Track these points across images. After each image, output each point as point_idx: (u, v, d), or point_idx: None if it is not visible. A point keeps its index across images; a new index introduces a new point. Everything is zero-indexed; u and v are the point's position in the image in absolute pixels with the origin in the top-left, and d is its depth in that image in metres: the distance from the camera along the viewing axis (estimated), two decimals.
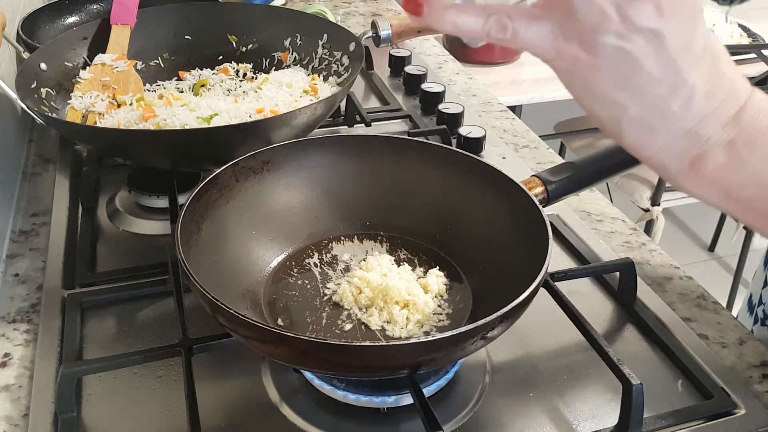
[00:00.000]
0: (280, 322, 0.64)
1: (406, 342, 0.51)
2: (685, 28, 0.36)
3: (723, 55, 0.38)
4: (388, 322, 0.63)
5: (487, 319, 0.50)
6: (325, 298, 0.67)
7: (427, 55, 1.37)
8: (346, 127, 1.05)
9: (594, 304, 0.74)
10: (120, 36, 1.00)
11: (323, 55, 1.01)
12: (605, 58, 0.35)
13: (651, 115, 0.37)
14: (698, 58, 0.37)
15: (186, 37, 1.06)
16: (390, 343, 0.51)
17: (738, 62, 1.85)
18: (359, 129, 1.04)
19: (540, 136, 1.09)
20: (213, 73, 1.03)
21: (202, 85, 0.99)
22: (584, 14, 0.34)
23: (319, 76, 0.99)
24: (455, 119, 1.05)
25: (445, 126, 1.02)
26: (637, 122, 0.37)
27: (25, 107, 0.81)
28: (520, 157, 1.02)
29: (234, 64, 1.04)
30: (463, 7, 0.37)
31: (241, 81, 1.01)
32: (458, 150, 0.73)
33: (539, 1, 0.37)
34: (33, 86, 0.88)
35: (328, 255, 0.72)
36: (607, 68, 0.35)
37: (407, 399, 0.59)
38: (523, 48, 0.37)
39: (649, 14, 0.34)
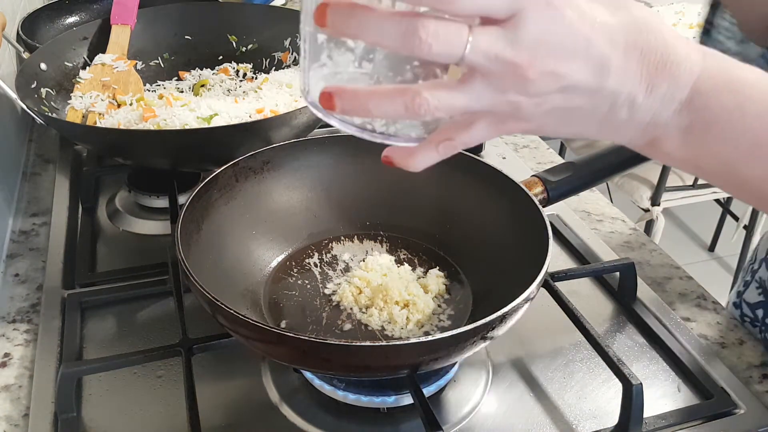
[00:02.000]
0: (284, 324, 0.64)
1: (406, 342, 0.51)
2: (588, 58, 0.35)
3: (653, 47, 0.37)
4: (388, 322, 0.63)
5: (487, 319, 0.50)
6: (325, 298, 0.67)
7: None
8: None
9: (594, 304, 0.74)
10: (120, 36, 1.00)
11: None
12: (538, 119, 0.37)
13: (607, 130, 0.38)
14: (622, 66, 0.36)
15: (186, 37, 1.06)
16: (390, 343, 0.51)
17: None
18: None
19: (540, 136, 1.09)
20: (213, 73, 1.03)
21: (202, 85, 0.99)
22: (497, 103, 0.36)
23: None
24: None
25: None
26: (596, 136, 0.39)
27: (25, 107, 0.81)
28: (520, 157, 1.02)
29: (234, 64, 1.04)
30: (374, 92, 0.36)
31: (241, 81, 1.01)
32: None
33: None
34: (33, 86, 0.88)
35: (328, 255, 0.72)
36: (545, 122, 0.37)
37: (407, 399, 0.59)
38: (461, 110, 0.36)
39: (546, 79, 0.35)
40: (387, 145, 0.40)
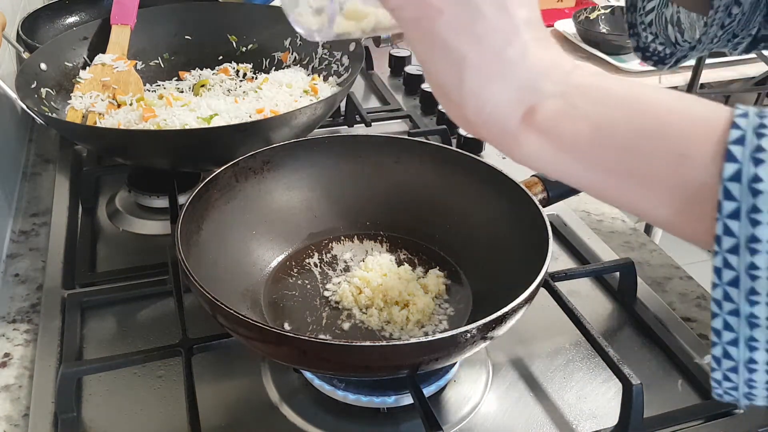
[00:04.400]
0: (287, 326, 0.64)
1: (406, 342, 0.51)
2: None
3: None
4: (388, 322, 0.63)
5: (487, 319, 0.50)
6: (325, 298, 0.67)
7: None
8: (346, 127, 1.05)
9: (594, 304, 0.74)
10: (120, 36, 1.00)
11: (323, 55, 1.01)
12: (451, 2, 0.36)
13: (490, 61, 0.37)
14: (534, 20, 0.38)
15: (186, 37, 1.06)
16: (390, 343, 0.51)
17: (737, 62, 1.85)
18: (359, 129, 1.04)
19: None
20: (213, 73, 1.03)
21: (202, 85, 0.99)
22: None
23: (319, 76, 0.99)
24: None
25: (445, 126, 1.02)
26: (475, 71, 0.37)
27: (25, 107, 0.81)
28: None
29: (234, 64, 1.04)
30: None
31: (241, 81, 1.02)
32: (458, 150, 0.73)
33: None
34: (33, 86, 0.88)
35: (328, 255, 0.72)
36: (451, 12, 0.36)
37: (407, 399, 0.59)
38: None
39: None
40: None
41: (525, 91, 0.37)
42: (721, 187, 0.31)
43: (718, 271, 0.33)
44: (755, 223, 0.31)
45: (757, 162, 0.31)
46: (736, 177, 0.31)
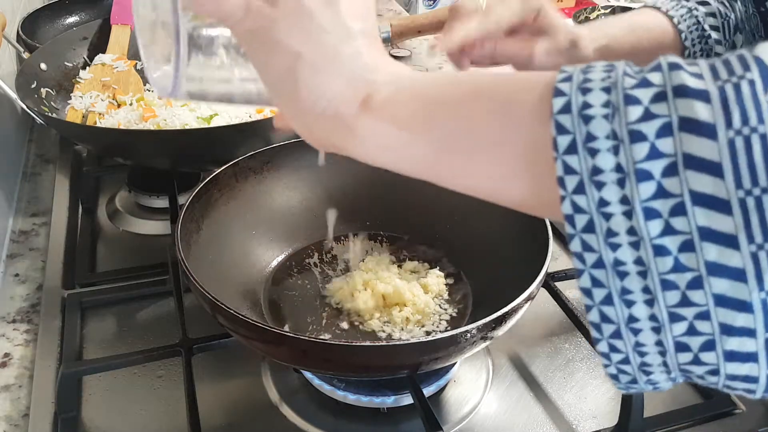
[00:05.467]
0: (287, 326, 0.64)
1: (406, 342, 0.51)
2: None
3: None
4: (388, 322, 0.63)
5: (487, 319, 0.50)
6: (325, 298, 0.67)
7: (427, 55, 1.36)
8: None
9: None
10: (120, 36, 1.00)
11: None
12: (286, 10, 0.36)
13: (324, 56, 0.37)
14: (369, 32, 0.38)
15: None
16: (390, 343, 0.51)
17: None
18: None
19: None
20: None
21: None
22: None
23: None
24: None
25: None
26: (309, 65, 0.37)
27: (25, 107, 0.81)
28: None
29: None
30: None
31: None
32: None
33: None
34: (33, 86, 0.88)
35: (328, 255, 0.72)
36: (287, 19, 0.37)
37: (407, 399, 0.59)
38: (215, 14, 0.37)
39: None
40: None
41: (359, 82, 0.37)
42: (552, 122, 0.29)
43: (570, 219, 0.29)
44: (593, 152, 0.28)
45: (585, 91, 0.29)
46: (566, 108, 0.29)
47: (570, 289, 0.71)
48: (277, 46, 0.37)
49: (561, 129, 0.29)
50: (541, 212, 0.35)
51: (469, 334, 0.50)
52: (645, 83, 0.28)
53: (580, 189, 0.29)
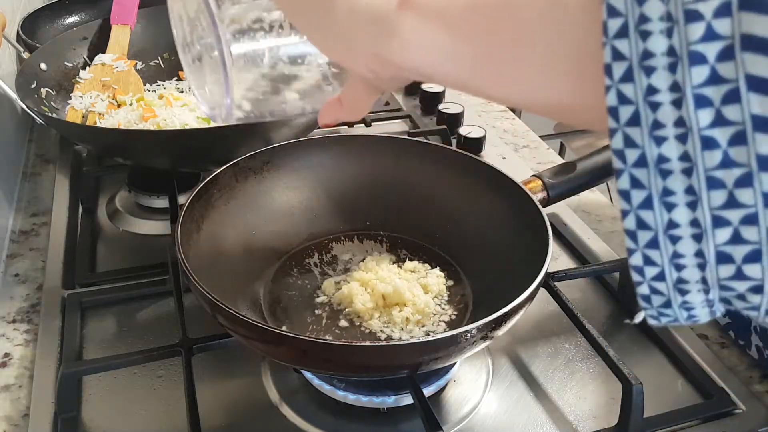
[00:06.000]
0: (287, 326, 0.64)
1: (406, 342, 0.51)
2: None
3: None
4: (388, 323, 0.63)
5: (487, 319, 0.50)
6: (325, 298, 0.67)
7: None
8: (346, 127, 1.05)
9: (594, 304, 0.74)
10: (120, 36, 1.00)
11: None
12: None
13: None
14: None
15: None
16: (390, 343, 0.51)
17: None
18: (359, 129, 1.04)
19: (540, 136, 1.09)
20: None
21: None
22: None
23: None
24: (455, 119, 1.05)
25: (445, 126, 1.02)
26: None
27: (25, 107, 0.81)
28: (520, 157, 1.02)
29: None
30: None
31: None
32: (458, 150, 0.73)
33: None
34: (33, 86, 0.88)
35: (328, 255, 0.72)
36: None
37: (407, 399, 0.59)
38: None
39: None
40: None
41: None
42: (603, 5, 0.26)
43: (613, 111, 0.27)
44: (645, 35, 0.26)
45: None
46: None
47: (570, 290, 0.71)
48: None
49: (612, 11, 0.26)
50: (577, 115, 0.33)
51: (469, 334, 0.50)
52: None
53: (627, 76, 0.26)
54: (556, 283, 0.69)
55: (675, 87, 0.25)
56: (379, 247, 0.73)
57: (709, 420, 0.61)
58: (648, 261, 0.28)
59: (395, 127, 1.08)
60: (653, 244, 0.27)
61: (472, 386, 0.63)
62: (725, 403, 0.62)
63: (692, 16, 0.25)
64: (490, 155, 1.00)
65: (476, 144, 0.99)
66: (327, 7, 0.36)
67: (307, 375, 0.61)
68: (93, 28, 1.01)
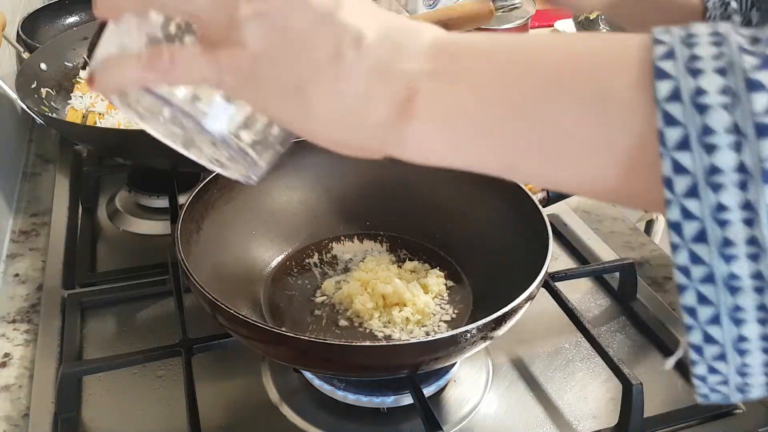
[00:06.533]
0: (287, 326, 0.64)
1: (406, 342, 0.51)
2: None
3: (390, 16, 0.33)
4: (387, 322, 0.63)
5: (487, 319, 0.50)
6: (325, 298, 0.67)
7: None
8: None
9: (594, 304, 0.74)
10: None
11: None
12: (255, 39, 0.31)
13: (330, 74, 0.31)
14: (355, 5, 0.32)
15: None
16: (390, 343, 0.51)
17: None
18: None
19: None
20: None
21: None
22: (212, 13, 0.32)
23: None
24: None
25: None
26: (322, 90, 0.31)
27: (25, 107, 0.81)
28: None
29: None
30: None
31: None
32: None
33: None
34: (33, 86, 0.88)
35: (328, 255, 0.72)
36: (263, 48, 0.31)
37: (407, 399, 0.59)
38: (187, 81, 0.33)
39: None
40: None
41: (389, 82, 0.31)
42: (659, 111, 0.24)
43: (676, 227, 0.25)
44: (710, 148, 0.24)
45: (695, 73, 0.24)
46: (675, 95, 0.24)
47: (570, 290, 0.71)
48: (274, 82, 0.32)
49: (670, 120, 0.24)
50: (633, 205, 0.31)
51: (469, 334, 0.50)
52: None
53: (692, 192, 0.24)
54: (556, 283, 0.69)
55: (747, 205, 0.24)
56: (379, 247, 0.73)
57: (709, 420, 0.61)
58: (713, 371, 0.27)
59: None
60: (720, 357, 0.26)
61: (472, 386, 0.63)
62: (725, 403, 0.61)
63: (764, 131, 0.23)
64: None
65: None
66: (316, 121, 0.33)
67: (307, 375, 0.61)
68: (93, 28, 1.01)
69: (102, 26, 0.39)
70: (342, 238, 0.74)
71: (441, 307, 0.65)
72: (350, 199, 0.74)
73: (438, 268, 0.69)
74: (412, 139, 0.32)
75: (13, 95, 0.81)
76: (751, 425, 0.60)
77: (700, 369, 0.27)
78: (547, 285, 0.68)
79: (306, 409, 0.61)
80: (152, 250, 0.80)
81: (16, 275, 0.77)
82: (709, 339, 0.26)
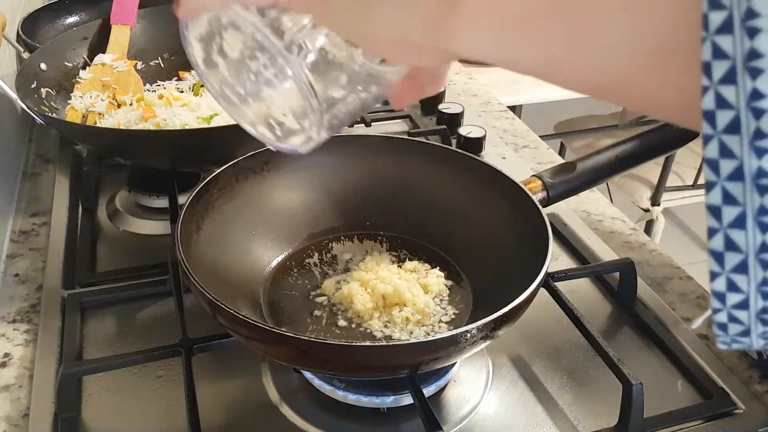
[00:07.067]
0: (286, 326, 0.64)
1: (406, 342, 0.51)
2: None
3: None
4: (387, 322, 0.63)
5: (487, 319, 0.50)
6: (325, 298, 0.67)
7: None
8: (346, 127, 1.05)
9: (594, 304, 0.74)
10: (120, 36, 1.00)
11: None
12: None
13: None
14: None
15: None
16: (390, 343, 0.51)
17: None
18: (359, 129, 1.04)
19: (540, 136, 1.09)
20: None
21: (202, 85, 0.99)
22: None
23: None
24: (455, 119, 1.05)
25: (445, 126, 1.02)
26: None
27: (25, 107, 0.81)
28: (520, 157, 1.02)
29: None
30: None
31: None
32: (458, 150, 0.73)
33: None
34: (33, 86, 0.88)
35: (328, 255, 0.72)
36: None
37: (407, 399, 0.59)
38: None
39: None
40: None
41: None
42: None
43: (710, 116, 0.24)
44: (753, 32, 0.23)
45: None
46: None
47: (570, 290, 0.71)
48: None
49: (715, 3, 0.23)
50: (667, 113, 0.30)
51: (469, 334, 0.50)
52: None
53: (729, 77, 0.23)
54: (556, 283, 0.69)
55: None
56: (379, 247, 0.73)
57: (709, 420, 0.61)
58: (732, 286, 0.26)
59: (395, 127, 1.08)
60: (742, 268, 0.25)
61: (472, 386, 0.63)
62: (725, 403, 0.62)
63: None
64: (490, 155, 1.00)
65: (476, 144, 0.99)
66: (375, 20, 0.34)
67: (307, 375, 0.61)
68: (93, 28, 1.01)
69: None
70: (342, 238, 0.74)
71: (441, 307, 0.65)
72: (350, 200, 0.75)
73: (438, 268, 0.69)
74: (461, 29, 0.32)
75: (13, 95, 0.81)
76: (751, 425, 0.60)
77: (718, 283, 0.26)
78: (547, 285, 0.68)
79: (306, 409, 0.61)
80: (152, 250, 0.80)
81: (16, 275, 0.77)
82: (731, 245, 0.25)
